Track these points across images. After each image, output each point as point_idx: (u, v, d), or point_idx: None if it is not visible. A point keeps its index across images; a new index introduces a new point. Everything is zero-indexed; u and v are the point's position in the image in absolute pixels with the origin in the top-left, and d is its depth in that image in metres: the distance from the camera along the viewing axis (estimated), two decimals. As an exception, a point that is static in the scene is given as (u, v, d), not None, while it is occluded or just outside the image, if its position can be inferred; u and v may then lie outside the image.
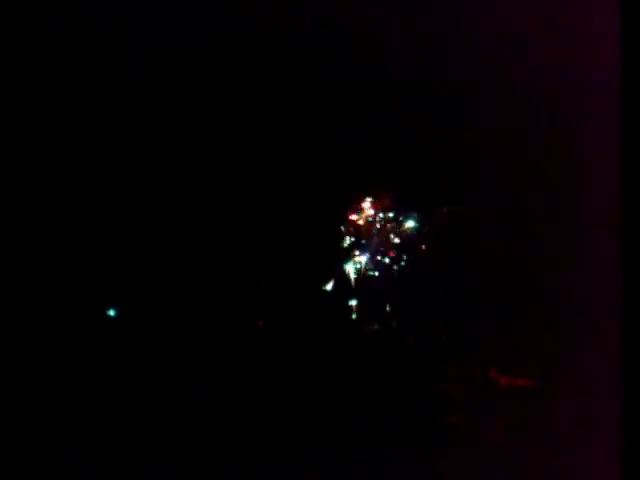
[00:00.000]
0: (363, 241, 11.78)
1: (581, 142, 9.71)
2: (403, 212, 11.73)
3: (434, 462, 9.71)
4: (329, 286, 11.65)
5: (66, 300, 11.01)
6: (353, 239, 11.80)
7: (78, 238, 11.12)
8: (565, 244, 10.00)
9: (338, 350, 11.08)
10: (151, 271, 11.20)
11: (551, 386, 10.16)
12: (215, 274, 11.27)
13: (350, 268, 11.71)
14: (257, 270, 11.44)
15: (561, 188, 10.11)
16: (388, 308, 11.49)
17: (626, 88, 8.57)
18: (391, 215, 11.76)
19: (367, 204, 11.77)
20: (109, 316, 11.17)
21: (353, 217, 11.78)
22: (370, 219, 11.78)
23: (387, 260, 11.75)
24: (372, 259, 11.76)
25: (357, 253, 11.75)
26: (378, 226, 11.78)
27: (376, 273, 11.74)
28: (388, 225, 11.77)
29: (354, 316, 11.60)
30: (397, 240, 11.75)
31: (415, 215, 11.67)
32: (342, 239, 11.77)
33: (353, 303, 11.63)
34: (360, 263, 11.74)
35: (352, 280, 11.66)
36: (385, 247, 11.77)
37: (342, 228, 11.77)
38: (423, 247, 11.59)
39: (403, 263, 11.69)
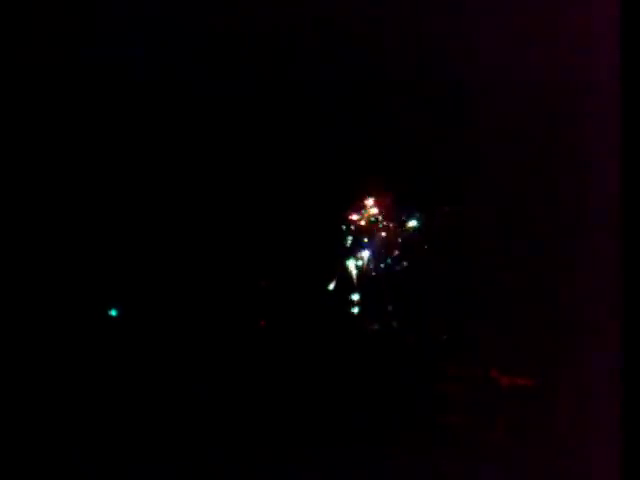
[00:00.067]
0: (364, 241, 11.78)
1: (581, 142, 9.70)
2: (403, 212, 11.73)
3: (434, 462, 9.71)
4: (331, 286, 11.65)
5: (67, 300, 11.01)
6: (354, 239, 11.80)
7: (79, 238, 11.12)
8: (565, 244, 10.00)
9: (339, 350, 11.07)
10: (153, 271, 11.21)
11: (551, 386, 10.16)
12: (216, 274, 11.28)
13: (352, 268, 11.71)
14: (258, 270, 11.44)
15: (561, 188, 10.11)
16: (389, 308, 11.49)
17: (626, 88, 8.57)
18: (391, 215, 11.76)
19: (368, 204, 11.77)
20: (110, 316, 11.17)
21: (354, 217, 11.78)
22: (371, 219, 11.78)
23: (388, 260, 11.75)
24: (373, 259, 11.76)
25: (358, 253, 11.76)
26: (379, 226, 11.79)
27: (377, 273, 11.74)
28: (389, 225, 11.77)
29: (355, 316, 11.61)
30: (398, 240, 11.75)
31: (416, 215, 11.67)
32: (343, 239, 11.77)
33: (354, 303, 11.63)
34: (361, 263, 11.74)
35: (354, 280, 11.67)
36: (386, 247, 11.77)
37: (343, 228, 11.78)
38: (423, 247, 11.59)
39: (404, 263, 11.69)
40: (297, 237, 11.38)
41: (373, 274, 11.73)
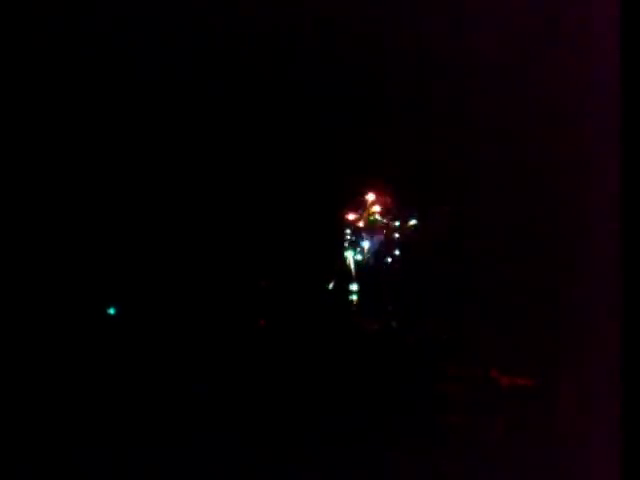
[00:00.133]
0: (365, 240, 11.78)
1: (581, 142, 9.70)
2: (404, 211, 11.73)
3: (434, 462, 9.71)
4: (330, 285, 11.65)
5: (66, 299, 11.00)
6: (354, 239, 11.79)
7: (78, 238, 11.12)
8: (565, 244, 9.99)
9: (339, 350, 11.07)
10: (152, 270, 11.20)
11: (551, 386, 10.16)
12: (216, 274, 11.27)
13: (351, 267, 11.71)
14: (258, 270, 11.44)
15: (561, 188, 10.10)
16: (389, 308, 11.49)
17: (626, 88, 8.56)
18: (392, 214, 11.76)
19: (369, 203, 11.77)
20: (109, 315, 11.17)
21: (353, 217, 11.78)
22: (371, 218, 11.78)
23: (388, 259, 11.75)
24: (373, 258, 11.75)
25: (358, 253, 11.75)
26: (379, 225, 11.78)
27: (377, 273, 11.74)
28: (389, 224, 11.77)
29: (355, 316, 11.61)
30: (398, 239, 11.74)
31: (416, 214, 11.67)
32: (343, 239, 11.76)
33: (354, 303, 11.63)
34: (361, 262, 11.73)
35: (354, 279, 11.66)
36: (386, 246, 11.77)
37: (343, 227, 11.77)
38: (423, 246, 11.58)
39: (404, 262, 11.69)
40: (297, 237, 11.38)
41: (373, 274, 11.72)
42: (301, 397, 10.59)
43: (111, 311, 11.18)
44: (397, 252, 11.73)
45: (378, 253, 11.77)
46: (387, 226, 11.77)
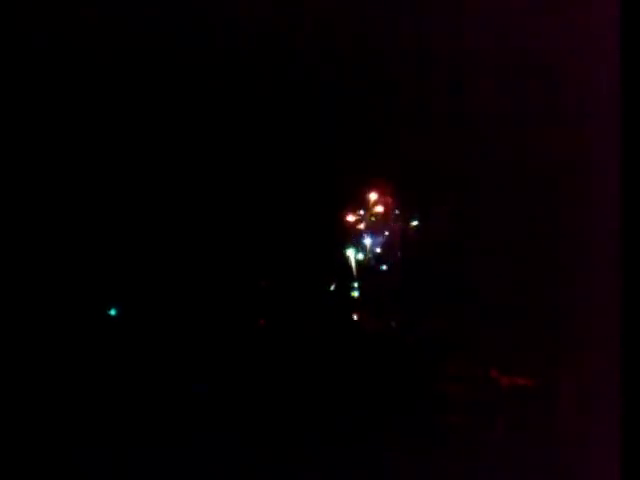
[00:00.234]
0: (366, 241, 11.78)
1: (581, 142, 9.71)
2: (405, 212, 11.73)
3: (434, 462, 9.71)
4: (332, 286, 11.66)
5: (67, 300, 11.01)
6: (355, 239, 11.80)
7: (79, 239, 11.12)
8: (565, 244, 10.00)
9: (339, 350, 11.08)
10: (153, 271, 11.21)
11: (551, 386, 10.16)
12: (216, 274, 11.28)
13: (352, 267, 11.71)
14: (258, 270, 11.44)
15: (561, 188, 10.11)
16: (389, 307, 11.49)
17: (626, 88, 8.57)
18: (393, 215, 11.76)
19: (370, 204, 11.77)
20: (110, 316, 11.17)
21: (355, 217, 11.78)
22: (373, 219, 11.79)
23: (389, 259, 11.75)
24: (374, 259, 11.76)
25: (360, 254, 11.76)
26: (381, 226, 11.79)
27: (377, 272, 11.74)
28: (390, 225, 11.78)
29: (355, 315, 11.61)
30: (399, 239, 11.75)
31: (417, 215, 11.67)
32: (344, 239, 11.77)
33: (354, 302, 11.64)
34: (362, 262, 11.74)
35: (354, 279, 11.67)
36: (387, 247, 11.78)
37: (343, 228, 11.78)
38: (424, 247, 11.58)
39: (405, 262, 11.69)
40: (297, 237, 11.38)
41: (374, 274, 11.73)
42: (301, 397, 10.59)
43: (112, 312, 11.18)
44: (398, 252, 11.74)
45: (379, 253, 11.78)
46: (388, 226, 11.77)
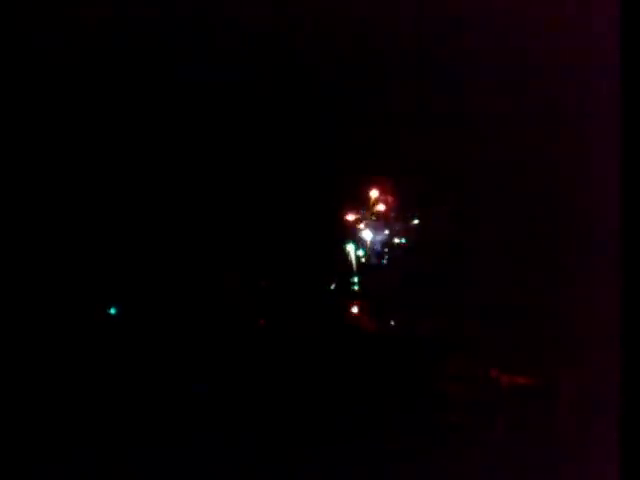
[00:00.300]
0: (367, 240, 11.78)
1: (581, 142, 9.71)
2: (406, 211, 11.73)
3: (434, 461, 9.72)
4: (332, 285, 11.66)
5: (67, 299, 11.02)
6: (356, 238, 11.80)
7: (80, 239, 11.13)
8: (565, 244, 10.00)
9: (339, 349, 11.08)
10: (153, 271, 11.21)
11: (551, 386, 10.17)
12: (216, 274, 11.28)
13: (353, 268, 11.72)
14: (258, 270, 11.45)
15: (561, 188, 10.11)
16: (390, 307, 11.50)
17: (626, 88, 8.56)
18: (394, 214, 11.77)
19: (371, 203, 11.77)
20: (110, 315, 11.18)
21: (355, 217, 11.78)
22: (374, 218, 11.79)
23: (389, 259, 11.76)
24: (375, 258, 11.77)
25: (360, 253, 11.76)
26: (381, 225, 11.79)
27: (378, 272, 11.75)
28: (391, 224, 11.78)
29: (355, 315, 11.62)
30: (400, 239, 11.75)
31: (418, 214, 11.68)
32: (344, 239, 11.77)
33: (355, 301, 11.65)
34: (363, 262, 11.75)
35: (355, 279, 11.67)
36: (388, 246, 11.78)
37: (344, 228, 11.78)
38: (425, 246, 11.59)
39: (405, 262, 11.69)
40: (298, 237, 11.39)
41: (374, 273, 11.73)
42: (301, 396, 10.59)
43: (112, 311, 11.18)
44: (399, 252, 11.74)
45: (380, 253, 11.78)
46: (389, 226, 11.77)
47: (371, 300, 11.62)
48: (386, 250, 11.78)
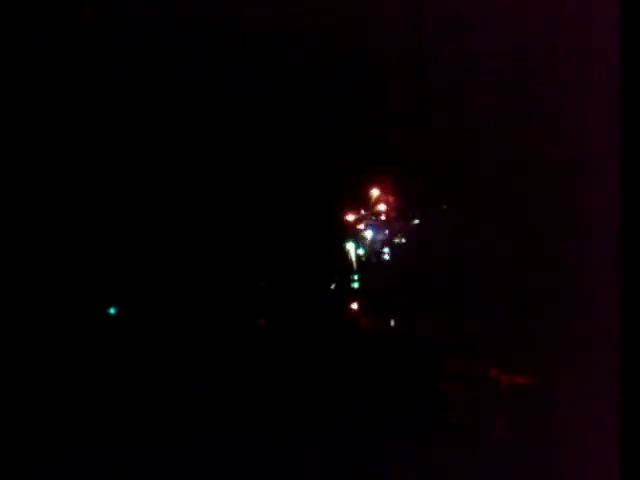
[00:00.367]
0: (367, 239, 11.79)
1: (581, 142, 9.71)
2: (406, 211, 11.74)
3: (434, 461, 9.72)
4: (332, 285, 11.67)
5: (67, 298, 11.02)
6: (357, 238, 11.81)
7: (81, 239, 11.13)
8: (565, 244, 10.00)
9: (339, 349, 11.08)
10: (153, 271, 11.21)
11: (551, 385, 10.17)
12: (216, 274, 11.28)
13: (353, 268, 11.72)
14: (258, 270, 11.45)
15: (561, 188, 10.11)
16: (390, 307, 11.50)
17: (626, 88, 8.56)
18: (394, 214, 11.77)
19: (371, 203, 11.78)
20: (109, 314, 11.18)
21: (356, 216, 11.79)
22: (374, 218, 11.79)
23: (390, 259, 11.76)
24: (375, 258, 11.77)
25: (361, 252, 11.76)
26: (382, 225, 11.79)
27: (378, 272, 11.75)
28: (392, 224, 11.78)
29: (355, 315, 11.62)
30: (400, 239, 11.76)
31: (418, 214, 11.68)
32: (344, 239, 11.77)
33: (355, 301, 11.65)
34: (364, 262, 11.75)
35: (355, 278, 11.67)
36: (388, 246, 11.78)
37: (344, 228, 11.78)
38: (425, 246, 11.59)
39: (405, 262, 11.70)
40: (298, 237, 11.39)
41: (375, 273, 11.74)
42: (301, 396, 10.59)
43: (111, 310, 11.18)
44: (399, 251, 11.74)
45: (380, 252, 11.78)
46: (390, 225, 11.78)
47: (371, 300, 11.63)
48: (386, 250, 11.78)
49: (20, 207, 10.94)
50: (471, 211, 11.05)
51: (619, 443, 8.34)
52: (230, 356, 10.89)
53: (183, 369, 10.72)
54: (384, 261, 11.77)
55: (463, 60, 10.41)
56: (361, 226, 11.78)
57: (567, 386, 9.93)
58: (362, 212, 11.77)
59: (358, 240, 11.76)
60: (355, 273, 11.64)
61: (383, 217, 11.78)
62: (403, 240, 11.73)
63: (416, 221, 11.70)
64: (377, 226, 11.78)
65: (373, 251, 11.77)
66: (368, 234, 11.76)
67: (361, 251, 11.73)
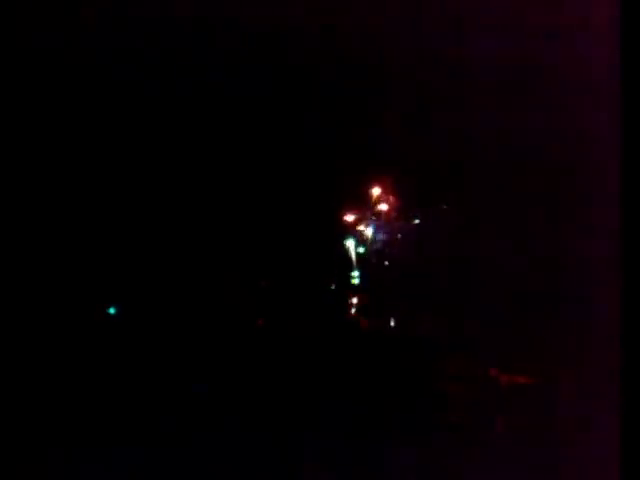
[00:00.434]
0: (368, 239, 11.79)
1: (581, 142, 9.71)
2: (407, 211, 11.74)
3: (434, 461, 9.72)
4: (332, 285, 11.66)
5: (67, 298, 11.01)
6: (357, 238, 11.81)
7: (80, 238, 11.13)
8: (565, 244, 10.00)
9: (339, 349, 11.08)
10: (152, 270, 11.21)
11: (551, 385, 10.17)
12: (216, 274, 11.28)
13: (353, 268, 11.71)
14: (258, 270, 11.44)
15: (561, 188, 10.12)
16: (390, 306, 11.50)
17: (626, 88, 8.56)
18: (395, 214, 11.77)
19: (372, 203, 11.78)
20: (109, 314, 11.17)
21: (356, 217, 11.79)
22: (375, 217, 11.80)
23: (390, 258, 11.76)
24: (375, 257, 11.77)
25: (361, 252, 11.76)
26: (382, 225, 11.80)
27: (378, 271, 11.75)
28: (392, 224, 11.78)
29: (354, 314, 11.62)
30: (400, 239, 11.76)
31: (419, 214, 11.68)
32: (345, 239, 11.77)
33: (355, 301, 11.65)
34: (364, 262, 11.75)
35: (355, 278, 11.67)
36: (388, 245, 11.78)
37: (344, 228, 11.78)
38: (425, 246, 11.59)
39: (406, 261, 11.69)
40: (298, 237, 11.39)
41: (375, 272, 11.74)
42: (301, 396, 10.59)
43: (111, 310, 11.18)
44: (399, 251, 11.74)
45: (380, 252, 11.78)
46: (390, 225, 11.78)
47: (371, 299, 11.63)
48: (387, 249, 11.78)
49: (20, 207, 10.94)
50: (471, 211, 11.05)
51: (619, 443, 8.34)
52: (230, 356, 10.89)
53: (183, 369, 10.72)
54: (384, 261, 11.77)
55: (463, 60, 10.41)
56: (361, 226, 11.78)
57: (567, 386, 9.93)
58: (363, 212, 11.78)
59: (359, 240, 11.76)
60: (355, 270, 11.64)
61: (384, 217, 11.79)
62: (403, 240, 11.73)
63: (416, 221, 11.70)
64: (377, 226, 11.79)
65: (373, 251, 11.77)
66: (368, 234, 11.76)
67: (361, 249, 11.73)
